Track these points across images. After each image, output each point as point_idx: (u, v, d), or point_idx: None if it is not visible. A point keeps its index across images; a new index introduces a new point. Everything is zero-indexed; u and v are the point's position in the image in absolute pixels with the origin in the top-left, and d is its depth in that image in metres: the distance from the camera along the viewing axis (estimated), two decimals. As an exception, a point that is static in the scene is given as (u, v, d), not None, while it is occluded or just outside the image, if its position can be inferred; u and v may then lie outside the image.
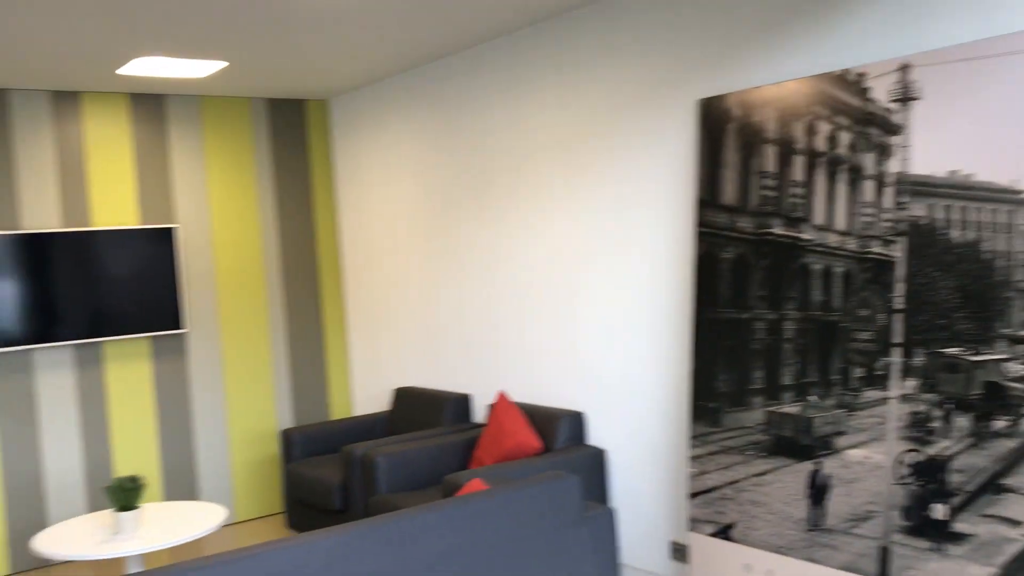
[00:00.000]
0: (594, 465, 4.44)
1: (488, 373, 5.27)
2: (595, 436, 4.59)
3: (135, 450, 5.75)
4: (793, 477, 3.52)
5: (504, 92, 4.98)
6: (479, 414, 5.38)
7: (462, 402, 5.33)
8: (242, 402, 6.14)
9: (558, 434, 4.54)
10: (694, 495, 3.84)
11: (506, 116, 4.98)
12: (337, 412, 6.51)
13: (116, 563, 5.46)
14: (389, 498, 4.55)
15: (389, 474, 4.68)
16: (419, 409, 5.52)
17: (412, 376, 5.91)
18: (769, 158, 3.67)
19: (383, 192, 6.04)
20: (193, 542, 5.53)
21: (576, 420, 4.58)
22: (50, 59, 4.76)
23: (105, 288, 5.55)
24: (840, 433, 3.39)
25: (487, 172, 5.16)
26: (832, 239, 3.47)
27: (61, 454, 5.51)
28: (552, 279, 4.78)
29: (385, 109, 5.94)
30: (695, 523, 3.83)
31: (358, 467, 4.87)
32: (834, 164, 3.46)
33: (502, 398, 4.75)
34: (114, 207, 5.70)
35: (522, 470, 4.21)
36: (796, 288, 3.58)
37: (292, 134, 6.36)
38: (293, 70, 5.46)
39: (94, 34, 4.33)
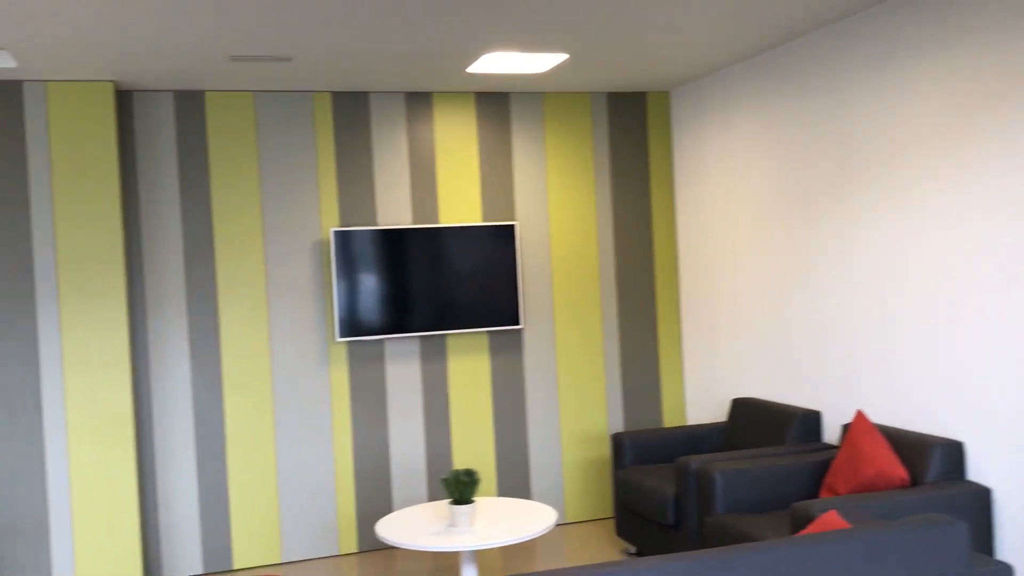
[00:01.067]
0: (976, 506, 3.75)
1: (842, 388, 4.70)
2: (976, 470, 3.88)
3: (472, 442, 5.86)
4: None
5: (870, 72, 4.39)
6: (829, 434, 4.83)
7: (810, 419, 4.81)
8: (574, 402, 6.05)
9: (929, 465, 3.90)
10: (1118, 558, 3.08)
11: (872, 100, 4.39)
12: (669, 419, 6.22)
13: (451, 554, 5.58)
14: (727, 519, 4.17)
15: (727, 492, 4.30)
16: (760, 423, 5.07)
17: (752, 386, 5.47)
18: None
19: (725, 188, 5.65)
20: (524, 542, 5.53)
21: (953, 450, 3.91)
22: (406, 61, 4.93)
23: (450, 283, 5.70)
24: None
25: (848, 164, 4.60)
26: None
27: (406, 441, 5.74)
28: (926, 283, 4.13)
29: (730, 98, 5.55)
30: (1118, 593, 3.06)
31: (693, 481, 4.54)
32: None
33: (860, 418, 4.19)
34: (460, 204, 5.84)
35: (887, 506, 3.64)
36: None
37: (631, 128, 6.17)
38: (634, 61, 5.25)
39: (449, 32, 4.39)
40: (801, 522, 3.62)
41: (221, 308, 5.42)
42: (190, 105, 5.38)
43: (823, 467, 4.42)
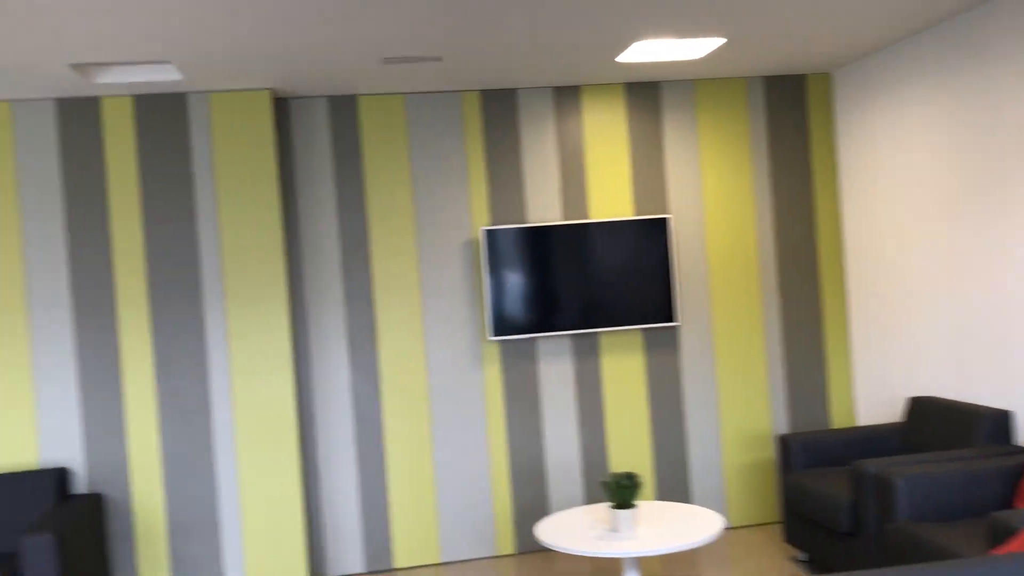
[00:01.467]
0: None
1: (1037, 387, 4.30)
2: None
3: (628, 443, 5.71)
4: None
5: (1068, 38, 3.98)
6: (1022, 436, 4.43)
7: (1000, 419, 4.42)
8: (734, 401, 5.81)
9: None
10: None
11: (1070, 68, 3.98)
12: (837, 419, 5.88)
13: (612, 559, 5.45)
14: (912, 528, 3.87)
15: (911, 499, 4.00)
16: (941, 424, 4.71)
17: (931, 384, 5.09)
18: None
19: (897, 173, 5.28)
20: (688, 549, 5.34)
21: None
22: (555, 54, 4.83)
23: (602, 279, 5.57)
24: None
25: (1040, 140, 4.19)
26: None
27: (560, 442, 5.65)
28: None
29: (900, 77, 5.18)
30: None
31: (871, 487, 4.25)
32: None
33: (1064, 420, 3.80)
34: (610, 198, 5.70)
35: (1104, 517, 3.28)
36: None
37: (789, 113, 5.86)
38: (794, 42, 4.97)
39: (600, 21, 4.26)
40: (1002, 534, 3.31)
41: (377, 308, 5.48)
42: (343, 109, 5.45)
43: (1018, 473, 4.04)
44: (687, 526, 4.25)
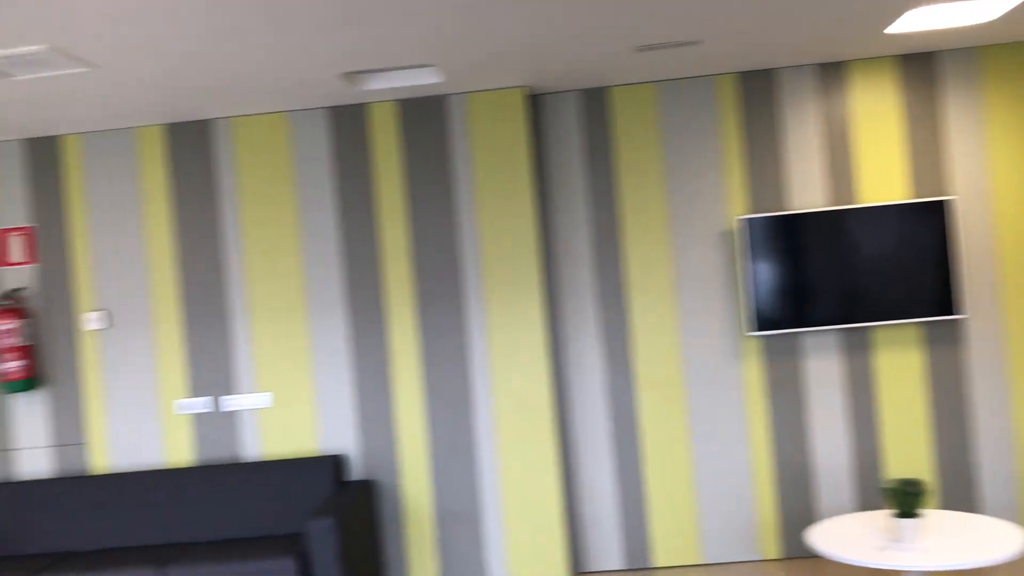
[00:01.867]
0: None
1: None
2: None
3: (905, 446, 5.27)
4: None
5: None
6: None
7: None
8: (1030, 402, 5.21)
9: None
10: None
11: None
12: None
13: (892, 574, 5.05)
14: None
15: None
16: None
17: None
18: None
19: None
20: (983, 566, 4.84)
21: None
22: (818, 28, 4.52)
23: (871, 269, 5.17)
24: None
25: None
26: None
27: (828, 443, 5.31)
28: None
29: None
30: None
31: None
32: None
33: None
34: (881, 181, 5.28)
35: None
36: None
37: (1095, 77, 5.17)
38: (1106, -7, 4.35)
39: (869, -11, 3.93)
40: None
41: (630, 301, 5.40)
42: (595, 102, 5.42)
43: None
44: (982, 540, 3.84)
